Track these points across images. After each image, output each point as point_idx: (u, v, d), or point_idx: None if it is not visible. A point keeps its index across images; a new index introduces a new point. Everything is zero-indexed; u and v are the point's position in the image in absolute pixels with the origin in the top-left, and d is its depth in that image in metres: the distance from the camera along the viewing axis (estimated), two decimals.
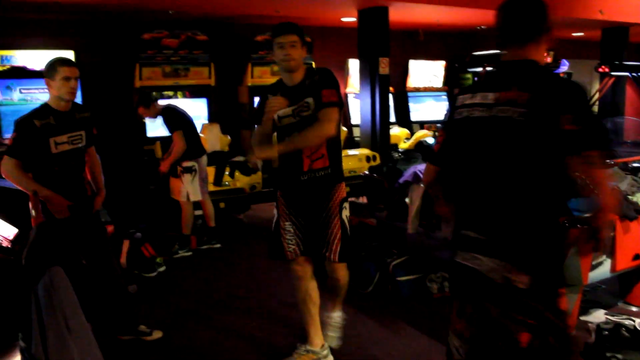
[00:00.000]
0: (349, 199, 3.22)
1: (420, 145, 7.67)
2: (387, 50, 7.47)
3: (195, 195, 5.43)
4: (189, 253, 5.48)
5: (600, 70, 6.73)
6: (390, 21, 7.41)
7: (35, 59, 6.71)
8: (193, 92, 7.87)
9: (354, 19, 7.69)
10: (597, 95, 7.23)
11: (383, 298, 4.21)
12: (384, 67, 7.45)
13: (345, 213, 3.08)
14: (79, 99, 6.26)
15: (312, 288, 3.22)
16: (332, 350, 3.32)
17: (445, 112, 2.09)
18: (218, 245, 5.73)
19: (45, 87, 3.21)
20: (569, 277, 3.47)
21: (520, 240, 1.77)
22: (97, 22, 7.68)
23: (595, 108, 9.99)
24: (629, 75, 7.15)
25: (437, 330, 3.57)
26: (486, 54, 4.39)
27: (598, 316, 3.81)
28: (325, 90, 2.86)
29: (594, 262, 3.51)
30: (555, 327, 1.77)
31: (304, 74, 2.98)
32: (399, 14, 7.54)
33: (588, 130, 1.68)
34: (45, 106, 3.23)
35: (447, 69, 9.79)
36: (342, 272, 3.21)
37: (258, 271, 5.03)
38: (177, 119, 5.31)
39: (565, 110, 1.67)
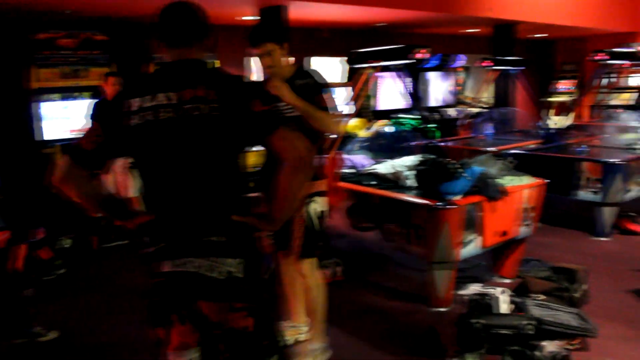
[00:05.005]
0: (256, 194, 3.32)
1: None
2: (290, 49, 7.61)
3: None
4: (91, 253, 5.48)
5: (482, 64, 7.23)
6: (290, 19, 7.58)
7: None
8: (96, 93, 7.76)
9: (251, 18, 7.82)
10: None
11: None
12: None
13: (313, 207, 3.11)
14: None
15: None
16: None
17: (97, 111, 1.96)
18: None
19: None
20: (440, 255, 3.81)
21: (228, 229, 1.84)
22: None
23: (491, 100, 10.64)
24: (509, 70, 7.70)
25: (331, 314, 3.79)
26: (368, 50, 4.65)
27: (474, 289, 4.15)
28: None
29: (464, 240, 3.87)
30: (265, 300, 1.93)
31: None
32: (299, 12, 7.73)
33: (275, 109, 1.90)
34: None
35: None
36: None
37: None
38: None
39: (251, 96, 1.84)
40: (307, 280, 3.20)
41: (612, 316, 3.82)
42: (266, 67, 3.01)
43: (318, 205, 3.12)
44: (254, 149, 2.14)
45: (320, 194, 3.13)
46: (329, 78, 9.45)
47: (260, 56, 2.98)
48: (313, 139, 2.84)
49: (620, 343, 3.49)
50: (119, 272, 5.01)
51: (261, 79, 3.14)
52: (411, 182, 4.19)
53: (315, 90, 3.01)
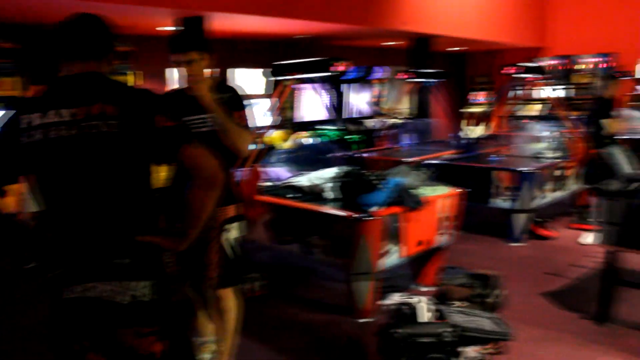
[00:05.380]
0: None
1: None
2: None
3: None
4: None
5: (402, 76, 7.40)
6: (211, 30, 7.49)
7: None
8: (8, 103, 7.34)
9: (172, 28, 7.67)
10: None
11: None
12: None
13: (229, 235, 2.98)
14: None
15: None
16: None
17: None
18: None
19: None
20: (360, 266, 3.83)
21: (134, 250, 1.77)
22: None
23: (410, 111, 10.90)
24: (427, 81, 7.92)
25: (249, 329, 3.72)
26: (290, 63, 4.65)
27: (395, 299, 4.20)
28: None
29: (383, 251, 3.90)
30: (175, 323, 1.85)
31: None
32: (219, 23, 7.65)
33: (184, 124, 1.87)
34: None
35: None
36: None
37: None
38: None
39: (156, 112, 1.79)
40: (222, 303, 3.06)
41: (527, 319, 3.95)
42: (188, 77, 2.87)
43: (234, 232, 2.99)
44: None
45: (235, 219, 3.01)
46: (251, 90, 9.47)
47: (183, 64, 2.84)
48: (227, 156, 2.76)
49: (535, 344, 3.62)
50: (34, 297, 4.74)
51: (181, 88, 3.01)
52: (329, 194, 4.20)
53: (235, 105, 2.91)
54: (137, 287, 1.73)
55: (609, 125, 6.31)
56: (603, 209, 3.73)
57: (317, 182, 4.35)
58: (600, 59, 11.92)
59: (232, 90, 2.98)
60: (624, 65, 10.77)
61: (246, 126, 2.90)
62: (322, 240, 4.00)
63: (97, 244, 1.75)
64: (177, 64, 2.85)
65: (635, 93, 10.45)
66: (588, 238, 5.73)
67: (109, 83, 1.82)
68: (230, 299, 3.06)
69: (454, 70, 14.56)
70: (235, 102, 2.93)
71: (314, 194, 4.30)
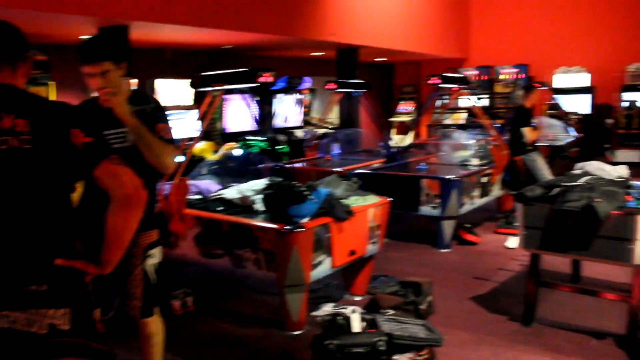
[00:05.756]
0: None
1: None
2: (130, 70, 7.31)
3: None
4: None
5: (327, 87, 7.47)
6: (134, 40, 7.29)
7: None
8: None
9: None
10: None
11: (125, 321, 4.11)
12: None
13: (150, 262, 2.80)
14: None
15: None
16: None
17: None
18: None
19: None
20: (292, 278, 3.79)
21: (50, 275, 1.64)
22: None
23: (337, 121, 10.99)
24: (353, 92, 8.01)
25: (180, 347, 3.61)
26: (213, 74, 4.55)
27: (327, 310, 4.18)
28: None
29: (314, 262, 3.87)
30: (101, 352, 1.72)
31: None
32: (142, 33, 7.47)
33: (101, 139, 1.80)
34: None
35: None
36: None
37: None
38: None
39: (72, 126, 1.70)
40: (147, 329, 2.88)
41: (457, 323, 4.02)
42: (98, 89, 2.62)
43: (155, 258, 2.82)
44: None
45: (155, 244, 2.84)
46: (177, 101, 9.26)
47: (92, 76, 2.59)
48: (149, 173, 2.58)
49: (466, 348, 3.68)
50: None
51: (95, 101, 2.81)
52: (259, 206, 4.14)
53: (154, 118, 2.71)
54: (55, 315, 1.61)
55: (528, 133, 6.58)
56: (525, 214, 3.85)
57: (247, 194, 4.27)
58: (518, 70, 12.49)
59: (154, 102, 2.82)
60: (537, 76, 11.33)
61: (170, 140, 2.73)
62: (253, 253, 3.93)
63: (10, 269, 1.62)
64: (89, 76, 2.61)
65: (552, 102, 10.98)
66: (513, 242, 5.91)
67: (21, 95, 1.70)
68: (154, 323, 2.90)
69: (383, 80, 14.86)
70: (153, 114, 2.72)
71: (244, 206, 4.22)
